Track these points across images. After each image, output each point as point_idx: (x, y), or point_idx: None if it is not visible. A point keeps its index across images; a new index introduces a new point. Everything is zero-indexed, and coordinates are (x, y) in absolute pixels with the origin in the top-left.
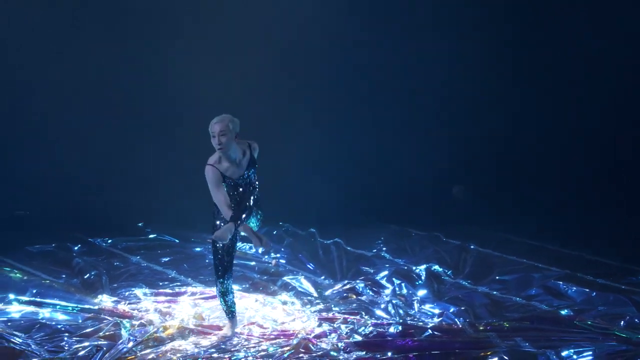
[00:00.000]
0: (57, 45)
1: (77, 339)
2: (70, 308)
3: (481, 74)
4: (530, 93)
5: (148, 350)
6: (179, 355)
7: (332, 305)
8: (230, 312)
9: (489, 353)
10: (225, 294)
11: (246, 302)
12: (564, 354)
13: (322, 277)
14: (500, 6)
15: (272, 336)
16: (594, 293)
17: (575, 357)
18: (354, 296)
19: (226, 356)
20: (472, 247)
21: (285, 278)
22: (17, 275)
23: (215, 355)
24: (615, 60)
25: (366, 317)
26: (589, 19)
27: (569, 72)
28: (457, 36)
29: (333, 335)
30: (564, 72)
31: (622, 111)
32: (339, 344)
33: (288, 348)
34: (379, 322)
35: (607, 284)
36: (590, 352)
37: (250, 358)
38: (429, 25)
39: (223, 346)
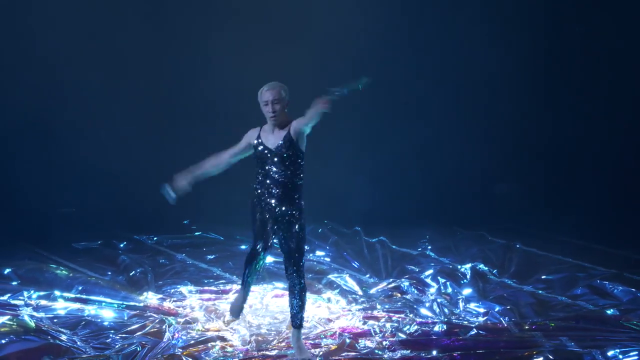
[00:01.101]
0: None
1: (123, 336)
2: (115, 305)
3: (526, 72)
4: (577, 90)
5: (193, 348)
6: (224, 352)
7: (377, 304)
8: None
9: (534, 352)
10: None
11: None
12: (609, 353)
13: (367, 276)
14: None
15: (317, 335)
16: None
17: (621, 357)
18: (399, 295)
19: (272, 353)
20: (517, 245)
21: (330, 276)
22: (63, 272)
23: (261, 353)
24: None
25: (411, 315)
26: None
27: (617, 68)
28: (500, 34)
29: (378, 333)
30: (611, 68)
31: None
32: (384, 343)
33: (333, 347)
34: (423, 320)
35: None
36: (636, 353)
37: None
38: (474, 22)
39: (268, 345)
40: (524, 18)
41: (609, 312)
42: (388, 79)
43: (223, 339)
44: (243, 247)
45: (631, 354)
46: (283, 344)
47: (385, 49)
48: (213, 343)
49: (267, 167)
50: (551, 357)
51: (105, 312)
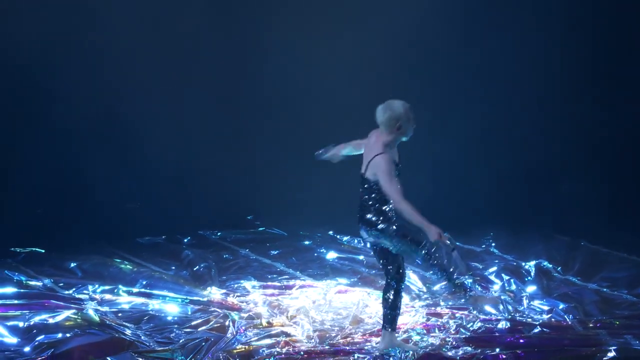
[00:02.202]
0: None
1: (186, 330)
2: (179, 300)
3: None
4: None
5: (257, 343)
6: (288, 348)
7: (440, 300)
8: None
9: (599, 351)
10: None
11: (354, 296)
12: None
13: (430, 272)
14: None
15: (379, 331)
16: None
17: None
18: (463, 291)
19: (337, 349)
20: (582, 243)
21: None
22: (127, 266)
23: (326, 348)
24: None
25: (474, 312)
26: None
27: None
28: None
29: (442, 330)
30: None
31: None
32: (447, 339)
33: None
34: (487, 318)
35: None
36: None
37: (359, 354)
38: (539, 20)
39: (333, 341)
40: (587, 19)
41: None
42: (455, 77)
43: (287, 334)
44: (306, 242)
45: None
46: (346, 339)
47: (457, 47)
48: (277, 338)
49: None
50: (617, 355)
51: (169, 306)
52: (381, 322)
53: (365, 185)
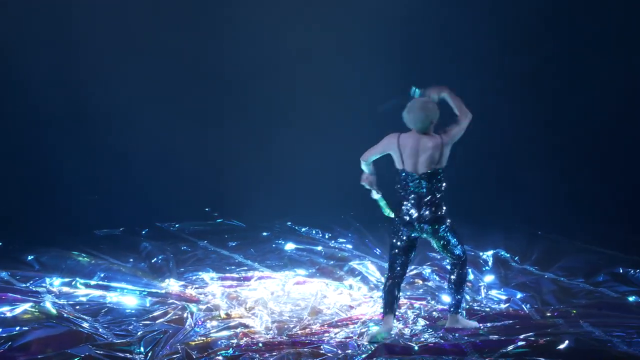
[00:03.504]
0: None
1: (145, 323)
2: (137, 292)
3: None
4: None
5: (215, 335)
6: (246, 339)
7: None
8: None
9: (556, 339)
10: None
11: (312, 287)
12: (632, 340)
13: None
14: None
15: (338, 322)
16: None
17: None
18: (421, 282)
19: (295, 341)
20: (539, 233)
21: (351, 263)
22: (85, 259)
23: (285, 340)
24: None
25: (432, 302)
26: None
27: None
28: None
29: (400, 320)
30: None
31: None
32: (406, 329)
33: (355, 337)
34: (445, 307)
35: None
36: None
37: (319, 343)
38: (579, 22)
39: (291, 332)
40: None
41: (630, 299)
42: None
43: (245, 325)
44: (265, 234)
45: None
46: (305, 330)
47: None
48: (235, 330)
49: None
50: (573, 344)
51: (127, 299)
52: (340, 312)
53: (434, 180)
